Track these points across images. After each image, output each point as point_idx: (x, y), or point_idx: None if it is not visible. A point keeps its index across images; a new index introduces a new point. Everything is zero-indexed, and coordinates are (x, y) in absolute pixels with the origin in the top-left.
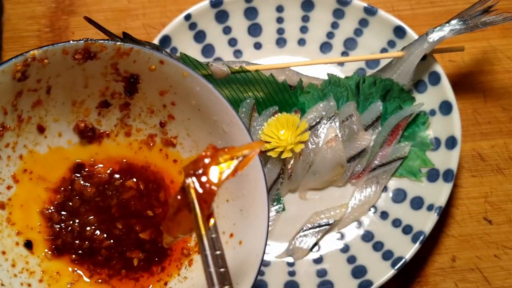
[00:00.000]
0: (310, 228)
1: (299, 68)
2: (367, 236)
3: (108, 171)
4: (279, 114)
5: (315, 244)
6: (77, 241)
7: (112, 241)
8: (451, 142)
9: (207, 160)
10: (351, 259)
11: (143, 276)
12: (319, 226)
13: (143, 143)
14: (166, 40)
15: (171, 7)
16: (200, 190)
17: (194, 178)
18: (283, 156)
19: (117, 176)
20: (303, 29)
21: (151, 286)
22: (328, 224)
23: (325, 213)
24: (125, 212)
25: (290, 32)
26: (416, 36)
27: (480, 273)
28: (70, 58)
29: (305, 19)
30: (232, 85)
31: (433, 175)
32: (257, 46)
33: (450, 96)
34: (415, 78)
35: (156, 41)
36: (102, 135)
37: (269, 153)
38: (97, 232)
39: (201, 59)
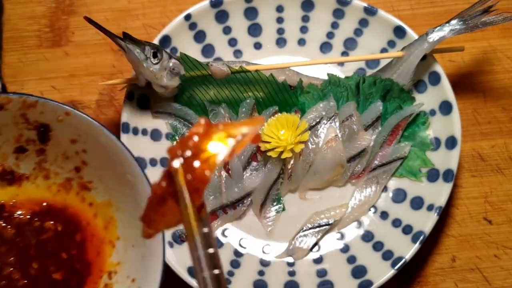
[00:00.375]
0: (310, 228)
1: (299, 68)
2: (367, 236)
3: (29, 213)
4: (279, 114)
5: (315, 244)
6: None
7: (26, 281)
8: (451, 142)
9: (197, 139)
10: (351, 259)
11: None
12: (319, 226)
13: (61, 186)
14: (166, 40)
15: (171, 7)
16: (190, 176)
17: (182, 161)
18: (283, 156)
19: (36, 218)
20: (303, 29)
21: None
22: (328, 224)
23: (325, 213)
24: (42, 253)
25: (290, 32)
26: (416, 36)
27: (480, 273)
28: None
29: (305, 19)
30: (232, 85)
31: (433, 175)
32: (257, 46)
33: (450, 96)
34: (415, 78)
35: (156, 41)
36: (22, 178)
37: (269, 153)
38: (13, 272)
39: (201, 59)
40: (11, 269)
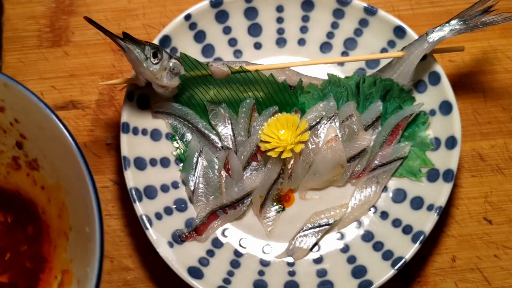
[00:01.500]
0: (310, 228)
1: (299, 68)
2: (367, 236)
3: None
4: (279, 114)
5: (315, 244)
6: None
7: None
8: (451, 142)
9: None
10: (351, 259)
11: None
12: (319, 226)
13: (9, 167)
14: (166, 40)
15: (171, 7)
16: None
17: None
18: (283, 156)
19: None
20: (303, 29)
21: None
22: (328, 224)
23: (325, 213)
24: None
25: (290, 32)
26: (416, 36)
27: (480, 273)
28: None
29: (305, 19)
30: (232, 85)
31: (433, 175)
32: (257, 46)
33: (450, 96)
34: (415, 78)
35: (156, 41)
36: None
37: (269, 153)
38: None
39: (201, 59)
40: None
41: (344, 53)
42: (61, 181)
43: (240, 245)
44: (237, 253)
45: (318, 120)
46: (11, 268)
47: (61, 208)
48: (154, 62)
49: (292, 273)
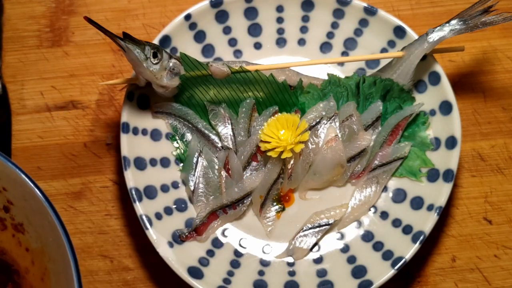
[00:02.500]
0: (310, 228)
1: (299, 68)
2: (367, 236)
3: None
4: (279, 114)
5: (315, 244)
6: None
7: None
8: (451, 142)
9: None
10: (351, 259)
11: None
12: (319, 226)
13: None
14: (166, 40)
15: (171, 7)
16: None
17: None
18: (283, 156)
19: None
20: (303, 29)
21: None
22: (328, 224)
23: (325, 213)
24: None
25: (290, 32)
26: (416, 36)
27: (480, 273)
28: None
29: (305, 19)
30: (232, 85)
31: (433, 175)
32: (257, 46)
33: (450, 96)
34: (415, 78)
35: (156, 41)
36: None
37: (269, 153)
38: None
39: (201, 59)
40: None
41: (344, 53)
42: (45, 247)
43: (240, 245)
44: (237, 253)
45: (318, 120)
46: None
47: (44, 272)
48: (154, 62)
49: (292, 273)
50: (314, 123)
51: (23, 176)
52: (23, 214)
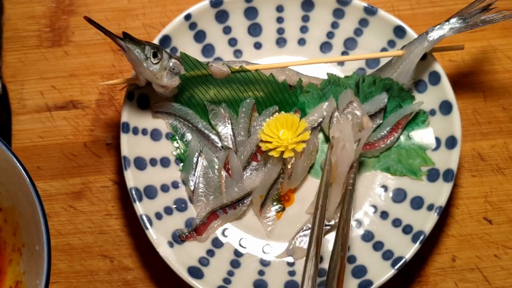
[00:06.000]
0: (310, 228)
1: (299, 67)
2: (367, 236)
3: None
4: (279, 113)
5: None
6: None
7: None
8: (451, 142)
9: None
10: (351, 259)
11: None
12: None
13: None
14: (166, 40)
15: (171, 7)
16: None
17: None
18: (285, 156)
19: None
20: (303, 29)
21: None
22: (328, 225)
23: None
24: None
25: (290, 32)
26: (416, 36)
27: (480, 273)
28: None
29: (305, 19)
30: (232, 85)
31: (433, 175)
32: (257, 46)
33: (450, 96)
34: (415, 78)
35: (156, 41)
36: None
37: (270, 153)
38: None
39: (201, 59)
40: None
41: (344, 53)
42: (16, 204)
43: (240, 245)
44: (237, 253)
45: (320, 120)
46: None
47: (16, 227)
48: (154, 62)
49: (292, 273)
50: (316, 124)
51: None
52: None
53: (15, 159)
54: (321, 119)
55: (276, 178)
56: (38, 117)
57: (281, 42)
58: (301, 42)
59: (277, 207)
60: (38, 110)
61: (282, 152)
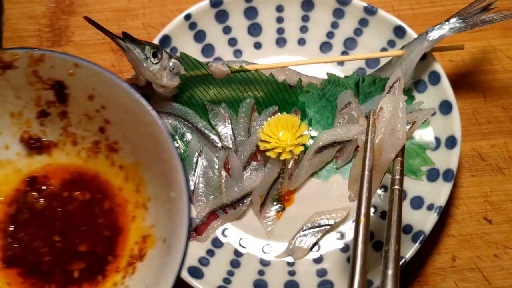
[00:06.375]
0: (310, 228)
1: (299, 67)
2: None
3: (59, 183)
4: (279, 114)
5: (315, 243)
6: (23, 255)
7: (51, 254)
8: (451, 142)
9: None
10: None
11: None
12: (319, 226)
13: (90, 151)
14: (166, 40)
15: (171, 7)
16: None
17: None
18: (282, 157)
19: (66, 188)
20: (303, 29)
21: None
22: (328, 225)
23: (325, 214)
24: (68, 225)
25: (290, 32)
26: (416, 36)
27: (480, 272)
28: None
29: (305, 18)
30: (232, 85)
31: (433, 175)
32: (257, 46)
33: (450, 95)
34: (415, 77)
35: (156, 41)
36: (50, 145)
37: (268, 153)
38: (40, 245)
39: (201, 59)
40: (38, 242)
41: (344, 53)
42: (141, 158)
43: (240, 245)
44: (237, 253)
45: (331, 142)
46: (89, 239)
47: (139, 183)
48: (154, 62)
49: (292, 273)
50: (326, 144)
51: (126, 86)
52: (119, 131)
53: (151, 111)
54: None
55: (276, 178)
56: None
57: (281, 42)
58: (301, 42)
59: (277, 207)
60: None
61: (280, 153)
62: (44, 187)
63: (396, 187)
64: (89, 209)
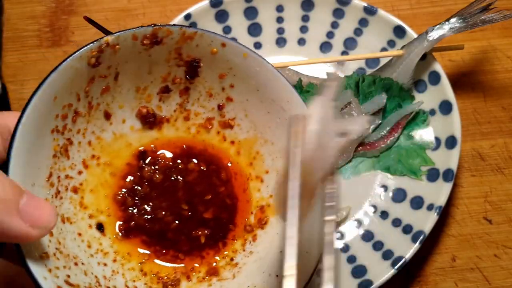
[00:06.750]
0: None
1: (299, 67)
2: (367, 236)
3: (170, 156)
4: None
5: None
6: (147, 224)
7: (178, 222)
8: (451, 142)
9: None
10: (351, 259)
11: (209, 253)
12: None
13: (201, 127)
14: None
15: (171, 7)
16: None
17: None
18: None
19: (179, 160)
20: (303, 29)
21: (216, 263)
22: None
23: None
24: (190, 194)
25: (290, 32)
26: (416, 36)
27: (480, 272)
28: (139, 44)
29: (305, 18)
30: None
31: (433, 175)
32: (257, 46)
33: (450, 95)
34: (415, 77)
35: None
36: (162, 120)
37: None
38: (166, 215)
39: None
40: (163, 212)
41: (344, 53)
42: (260, 133)
43: None
44: None
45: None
46: (212, 205)
47: (254, 157)
48: None
49: None
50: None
51: (269, 65)
52: (240, 108)
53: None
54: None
55: None
56: None
57: (281, 42)
58: (301, 42)
59: None
60: None
61: None
62: (156, 161)
63: (328, 218)
64: (208, 179)
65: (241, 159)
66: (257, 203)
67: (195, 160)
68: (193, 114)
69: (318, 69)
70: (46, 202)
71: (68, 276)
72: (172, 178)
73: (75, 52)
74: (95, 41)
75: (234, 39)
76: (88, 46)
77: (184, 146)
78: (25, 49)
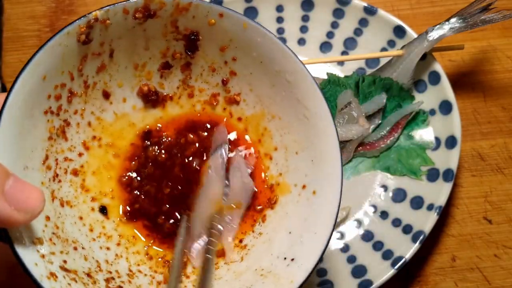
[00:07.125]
0: None
1: None
2: (367, 236)
3: (174, 133)
4: None
5: None
6: (152, 207)
7: (185, 192)
8: (451, 142)
9: None
10: (351, 259)
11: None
12: None
13: (206, 104)
14: None
15: None
16: None
17: None
18: None
19: (181, 135)
20: (303, 29)
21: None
22: None
23: None
24: (188, 171)
25: (290, 32)
26: (416, 36)
27: (480, 272)
28: (131, 18)
29: (305, 18)
30: None
31: (433, 175)
32: None
33: (450, 95)
34: (415, 77)
35: None
36: (166, 98)
37: None
38: (169, 192)
39: None
40: (168, 189)
41: (344, 53)
42: (266, 108)
43: None
44: None
45: None
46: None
47: (262, 133)
48: None
49: None
50: None
51: (271, 35)
52: (245, 82)
53: (288, 51)
54: None
55: None
56: None
57: None
58: (301, 42)
59: None
60: None
61: None
62: (160, 140)
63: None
64: (208, 151)
65: (249, 135)
66: (266, 182)
67: (193, 132)
68: (197, 90)
69: (318, 69)
70: (34, 186)
71: (65, 261)
72: (174, 155)
73: (62, 29)
74: (82, 16)
75: None
76: (76, 22)
77: (188, 121)
78: (25, 49)
